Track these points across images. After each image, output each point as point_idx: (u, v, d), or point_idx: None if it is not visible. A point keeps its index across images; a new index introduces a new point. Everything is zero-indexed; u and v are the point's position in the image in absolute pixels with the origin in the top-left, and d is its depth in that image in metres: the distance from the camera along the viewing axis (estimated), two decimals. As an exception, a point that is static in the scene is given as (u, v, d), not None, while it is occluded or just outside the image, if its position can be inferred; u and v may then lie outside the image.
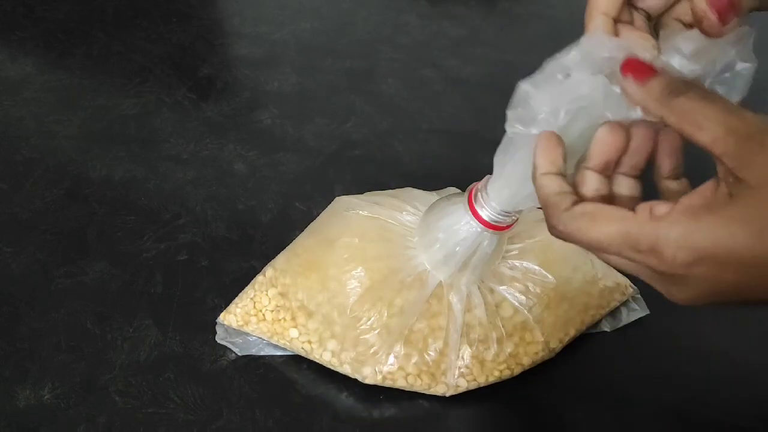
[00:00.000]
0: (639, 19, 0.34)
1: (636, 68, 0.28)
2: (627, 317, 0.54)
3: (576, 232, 0.29)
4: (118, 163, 0.67)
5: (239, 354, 0.51)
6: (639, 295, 0.54)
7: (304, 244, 0.54)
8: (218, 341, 0.51)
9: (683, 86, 0.27)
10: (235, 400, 0.48)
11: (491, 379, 0.48)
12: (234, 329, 0.51)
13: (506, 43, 0.85)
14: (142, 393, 0.48)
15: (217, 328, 0.51)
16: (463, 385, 0.48)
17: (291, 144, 0.70)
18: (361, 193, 0.57)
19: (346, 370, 0.48)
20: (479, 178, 0.54)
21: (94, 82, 0.78)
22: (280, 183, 0.65)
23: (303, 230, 0.57)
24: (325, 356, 0.49)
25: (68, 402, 0.48)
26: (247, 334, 0.51)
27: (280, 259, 0.53)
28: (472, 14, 0.91)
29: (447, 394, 0.48)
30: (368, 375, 0.47)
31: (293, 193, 0.64)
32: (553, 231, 0.30)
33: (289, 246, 0.54)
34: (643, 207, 0.28)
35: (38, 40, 0.84)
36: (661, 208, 0.28)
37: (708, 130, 0.26)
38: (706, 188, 0.29)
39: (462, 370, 0.47)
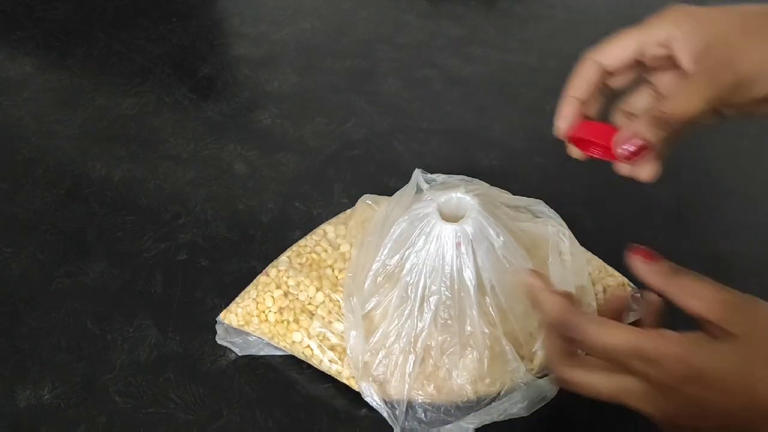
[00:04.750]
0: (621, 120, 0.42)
1: (644, 254, 0.36)
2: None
3: (590, 333, 0.34)
4: (118, 163, 0.67)
5: (239, 354, 0.51)
6: (638, 294, 0.54)
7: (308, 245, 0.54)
8: (218, 341, 0.51)
9: (681, 270, 0.35)
10: (235, 400, 0.48)
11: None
12: (234, 329, 0.51)
13: (506, 43, 0.85)
14: (142, 393, 0.48)
15: (217, 327, 0.51)
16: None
17: (291, 144, 0.70)
18: (361, 193, 0.57)
19: (346, 380, 0.48)
20: (479, 178, 0.54)
21: (94, 82, 0.78)
22: (280, 183, 0.65)
23: (303, 230, 0.57)
24: (323, 365, 0.49)
25: (68, 402, 0.48)
26: (248, 334, 0.51)
27: (283, 260, 0.53)
28: (472, 14, 0.91)
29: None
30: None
31: (293, 193, 0.64)
32: (569, 332, 0.36)
33: (292, 246, 0.54)
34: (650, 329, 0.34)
35: (38, 40, 0.85)
36: (667, 331, 0.33)
37: (705, 301, 0.33)
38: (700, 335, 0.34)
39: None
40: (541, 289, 0.38)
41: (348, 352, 0.47)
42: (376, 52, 0.84)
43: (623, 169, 0.40)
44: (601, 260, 0.55)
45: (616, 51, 0.39)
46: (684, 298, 0.34)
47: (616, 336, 0.33)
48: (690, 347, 0.32)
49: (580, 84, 0.40)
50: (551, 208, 0.54)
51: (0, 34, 0.86)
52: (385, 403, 0.46)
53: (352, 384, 0.48)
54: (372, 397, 0.46)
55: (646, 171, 0.40)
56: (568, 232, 0.52)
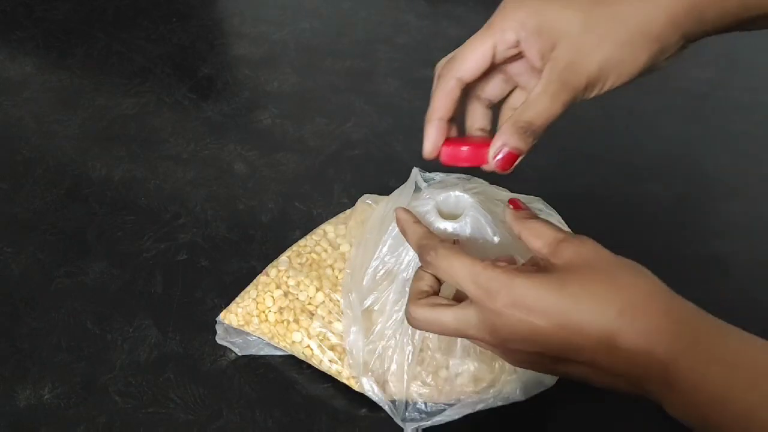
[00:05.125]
0: (479, 108, 0.43)
1: (515, 203, 0.41)
2: None
3: (441, 259, 0.39)
4: (118, 163, 0.67)
5: (239, 354, 0.51)
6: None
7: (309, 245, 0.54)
8: (218, 341, 0.51)
9: (534, 215, 0.40)
10: (235, 400, 0.48)
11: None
12: (234, 329, 0.51)
13: (506, 43, 0.85)
14: (142, 393, 0.48)
15: (217, 327, 0.51)
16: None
17: (291, 144, 0.70)
18: (361, 193, 0.57)
19: (346, 380, 0.48)
20: (478, 177, 0.54)
21: (94, 82, 0.78)
22: (280, 183, 0.65)
23: (303, 230, 0.57)
24: (323, 365, 0.49)
25: (68, 402, 0.48)
26: (247, 334, 0.51)
27: (283, 260, 0.53)
28: (472, 14, 0.91)
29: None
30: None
31: (293, 193, 0.64)
32: (428, 267, 0.40)
33: (291, 246, 0.54)
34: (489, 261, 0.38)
35: (38, 40, 0.85)
36: (501, 263, 0.38)
37: (543, 239, 0.38)
38: (529, 265, 0.39)
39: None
40: (409, 221, 0.41)
41: (347, 347, 0.47)
42: (376, 52, 0.84)
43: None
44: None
45: (471, 64, 0.40)
46: (530, 239, 0.38)
47: (461, 264, 0.37)
48: (516, 275, 0.36)
49: (443, 105, 0.40)
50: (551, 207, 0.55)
51: (0, 34, 0.86)
52: (386, 397, 0.46)
53: (352, 384, 0.48)
54: (373, 391, 0.46)
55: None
56: (565, 228, 0.52)
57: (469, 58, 0.39)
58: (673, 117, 0.74)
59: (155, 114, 0.73)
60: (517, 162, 0.39)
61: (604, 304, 0.34)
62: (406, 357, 0.46)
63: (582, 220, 0.59)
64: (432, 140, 0.41)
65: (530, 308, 0.35)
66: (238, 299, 0.52)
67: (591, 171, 0.67)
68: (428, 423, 0.46)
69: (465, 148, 0.40)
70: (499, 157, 0.38)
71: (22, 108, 0.74)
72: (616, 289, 0.35)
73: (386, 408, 0.46)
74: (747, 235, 0.62)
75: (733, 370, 0.33)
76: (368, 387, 0.47)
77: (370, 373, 0.47)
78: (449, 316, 0.38)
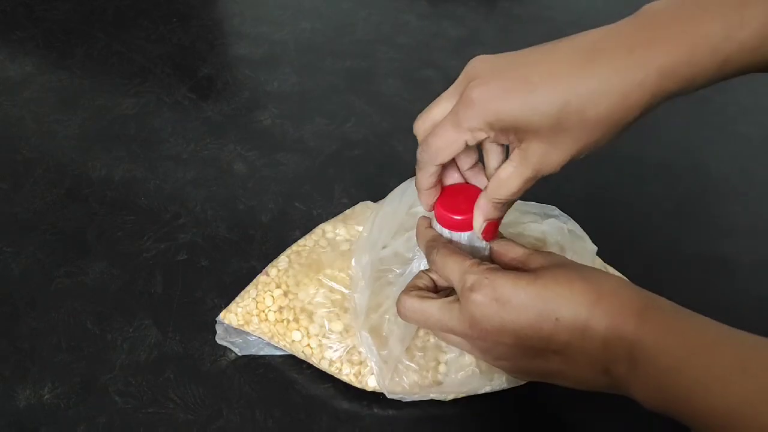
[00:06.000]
0: (462, 157, 0.45)
1: (488, 231, 0.43)
2: None
3: (440, 257, 0.43)
4: (118, 163, 0.67)
5: (239, 354, 0.51)
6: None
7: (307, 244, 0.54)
8: (218, 341, 0.51)
9: (509, 239, 0.45)
10: (235, 400, 0.48)
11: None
12: (234, 328, 0.51)
13: (506, 43, 0.85)
14: (142, 393, 0.48)
15: (217, 327, 0.51)
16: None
17: (291, 144, 0.70)
18: (361, 193, 0.57)
19: (346, 377, 0.48)
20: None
21: (94, 82, 0.78)
22: (280, 183, 0.65)
23: (303, 230, 0.57)
24: (323, 363, 0.49)
25: (68, 402, 0.48)
26: (247, 333, 0.51)
27: (283, 259, 0.53)
28: (472, 14, 0.91)
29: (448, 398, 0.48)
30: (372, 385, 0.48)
31: (293, 193, 0.64)
32: (432, 265, 0.44)
33: (291, 246, 0.54)
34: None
35: (38, 40, 0.85)
36: (486, 263, 0.42)
37: (517, 252, 0.43)
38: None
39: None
40: (422, 226, 0.46)
41: (355, 302, 0.49)
42: (376, 52, 0.84)
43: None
44: (600, 260, 0.55)
45: (445, 155, 0.42)
46: (509, 250, 0.43)
47: (453, 261, 0.41)
48: (498, 272, 0.40)
49: (429, 182, 0.44)
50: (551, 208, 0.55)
51: (0, 34, 0.86)
52: (380, 357, 0.47)
53: (353, 381, 0.48)
54: (369, 347, 0.47)
55: None
56: (570, 226, 0.53)
57: (443, 153, 0.42)
58: (675, 118, 0.74)
59: (155, 114, 0.73)
60: (498, 225, 0.44)
61: (578, 296, 0.38)
62: (407, 331, 0.47)
63: (584, 222, 0.59)
64: (427, 203, 0.45)
65: (509, 301, 0.39)
66: (237, 299, 0.52)
67: (592, 173, 0.67)
68: (414, 397, 0.47)
69: (457, 217, 0.44)
70: (481, 227, 0.43)
71: (22, 108, 0.74)
72: (587, 284, 0.38)
73: (375, 368, 0.47)
74: (751, 236, 0.62)
75: (687, 339, 0.35)
76: (365, 341, 0.47)
77: (368, 328, 0.47)
78: (434, 307, 0.42)
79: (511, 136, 0.39)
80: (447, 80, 0.43)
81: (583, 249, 0.52)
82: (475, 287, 0.39)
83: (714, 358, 0.34)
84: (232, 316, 0.51)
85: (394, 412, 0.48)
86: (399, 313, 0.44)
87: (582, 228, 0.58)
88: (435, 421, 0.48)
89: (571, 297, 0.38)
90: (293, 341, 0.49)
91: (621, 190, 0.66)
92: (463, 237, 0.45)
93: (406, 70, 0.81)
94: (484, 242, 0.45)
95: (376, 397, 0.48)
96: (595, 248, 0.53)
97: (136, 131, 0.71)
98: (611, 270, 0.54)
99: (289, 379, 0.50)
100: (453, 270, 0.41)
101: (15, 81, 0.77)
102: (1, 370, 0.49)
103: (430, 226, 0.46)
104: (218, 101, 0.75)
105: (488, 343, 0.40)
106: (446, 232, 0.46)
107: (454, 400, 0.48)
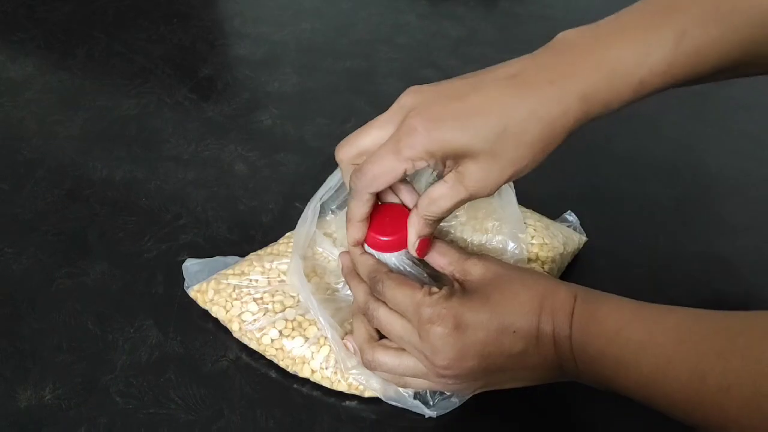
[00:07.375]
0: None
1: (421, 247, 0.44)
2: None
3: (388, 288, 0.43)
4: (119, 164, 0.67)
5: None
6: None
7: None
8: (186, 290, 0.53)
9: (443, 240, 0.46)
10: (236, 400, 0.48)
11: None
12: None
13: (506, 43, 0.85)
14: (143, 393, 0.48)
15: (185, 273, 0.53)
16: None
17: (291, 144, 0.70)
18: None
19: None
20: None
21: (95, 83, 0.78)
22: (281, 183, 0.65)
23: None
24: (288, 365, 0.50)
25: (69, 402, 0.48)
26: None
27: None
28: (472, 14, 0.91)
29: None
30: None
31: (294, 194, 0.64)
32: (380, 296, 0.44)
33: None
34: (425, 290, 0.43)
35: (39, 41, 0.85)
36: (435, 290, 0.42)
37: (448, 257, 0.45)
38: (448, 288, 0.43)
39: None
40: (356, 254, 0.46)
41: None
42: (376, 52, 0.84)
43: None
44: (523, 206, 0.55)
45: (382, 183, 0.42)
46: (436, 257, 0.45)
47: (403, 294, 0.42)
48: (452, 299, 0.41)
49: (362, 212, 0.44)
50: (550, 208, 0.55)
51: (1, 35, 0.86)
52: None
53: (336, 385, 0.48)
54: (391, 393, 0.47)
55: None
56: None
57: (379, 180, 0.42)
58: (675, 116, 0.74)
59: (156, 114, 0.73)
60: (430, 240, 0.45)
61: (526, 305, 0.41)
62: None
63: (584, 221, 0.59)
64: (355, 238, 0.46)
65: (469, 326, 0.40)
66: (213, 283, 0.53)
67: (592, 171, 0.67)
68: (459, 402, 0.47)
69: (386, 238, 0.45)
70: (414, 244, 0.44)
71: (23, 109, 0.74)
72: (529, 291, 0.42)
73: (409, 404, 0.47)
74: (751, 235, 0.62)
75: (605, 326, 0.39)
76: (385, 389, 0.47)
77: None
78: (409, 357, 0.43)
79: (449, 161, 0.41)
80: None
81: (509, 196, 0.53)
82: (434, 319, 0.40)
83: (629, 336, 0.38)
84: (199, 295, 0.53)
85: (395, 411, 0.48)
86: (368, 367, 0.45)
87: (581, 226, 0.58)
88: (436, 420, 0.48)
89: (521, 308, 0.41)
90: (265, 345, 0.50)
91: (621, 187, 0.66)
92: (392, 258, 0.46)
93: (406, 70, 0.81)
94: (416, 259, 0.45)
95: (377, 397, 0.48)
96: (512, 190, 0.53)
97: (137, 132, 0.71)
98: (528, 213, 0.55)
99: (290, 379, 0.50)
100: (405, 303, 0.42)
101: (16, 82, 0.77)
102: (2, 370, 0.49)
103: (364, 252, 0.46)
104: (219, 102, 0.75)
105: (452, 370, 0.42)
106: (375, 254, 0.46)
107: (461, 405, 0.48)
